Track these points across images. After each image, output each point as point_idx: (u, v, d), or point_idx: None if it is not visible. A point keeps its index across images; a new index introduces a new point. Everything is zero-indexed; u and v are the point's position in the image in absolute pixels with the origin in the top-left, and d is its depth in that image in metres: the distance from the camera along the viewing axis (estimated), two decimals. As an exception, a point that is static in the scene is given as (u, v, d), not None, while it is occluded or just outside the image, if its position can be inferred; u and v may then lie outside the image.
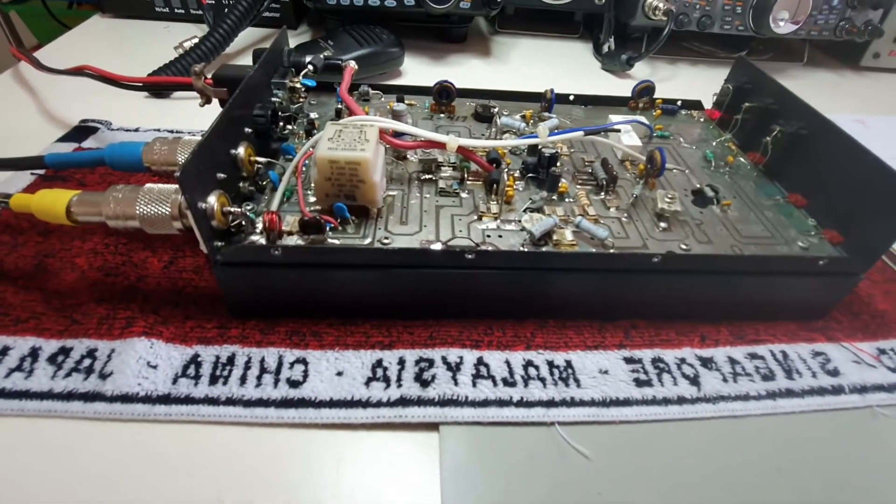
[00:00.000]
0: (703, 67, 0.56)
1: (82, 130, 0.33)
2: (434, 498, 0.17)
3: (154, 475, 0.17)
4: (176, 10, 0.49)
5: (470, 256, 0.20)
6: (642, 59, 0.50)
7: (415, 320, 0.22)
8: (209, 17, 0.46)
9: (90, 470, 0.17)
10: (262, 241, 0.21)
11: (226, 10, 0.42)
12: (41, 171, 0.28)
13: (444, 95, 0.30)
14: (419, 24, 0.51)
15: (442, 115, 0.31)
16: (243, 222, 0.20)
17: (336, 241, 0.21)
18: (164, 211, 0.19)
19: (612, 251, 0.22)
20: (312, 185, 0.23)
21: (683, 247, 0.23)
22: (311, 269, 0.20)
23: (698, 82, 0.52)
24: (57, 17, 0.74)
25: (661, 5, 0.49)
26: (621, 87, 0.49)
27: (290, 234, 0.21)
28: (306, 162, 0.23)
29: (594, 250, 0.22)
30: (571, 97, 0.34)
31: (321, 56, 0.30)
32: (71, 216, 0.19)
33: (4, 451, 0.17)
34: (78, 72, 0.32)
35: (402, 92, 0.31)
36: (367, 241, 0.21)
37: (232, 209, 0.20)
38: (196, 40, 0.42)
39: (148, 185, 0.19)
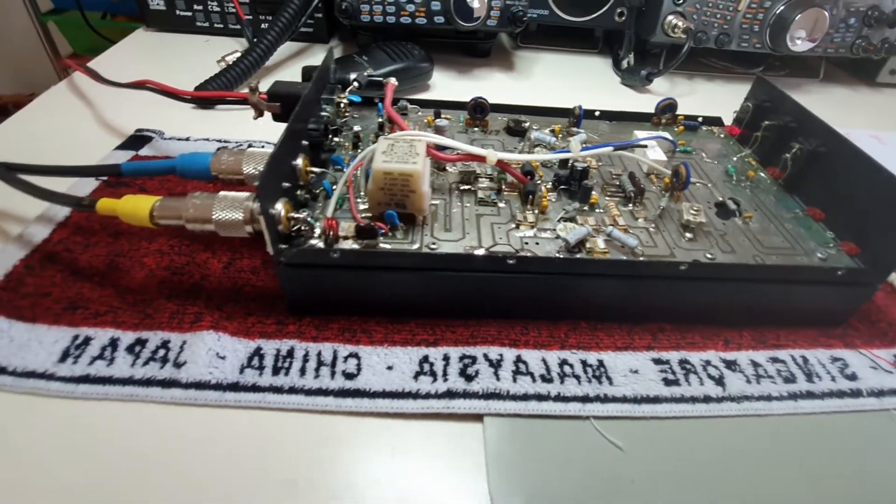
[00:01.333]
0: (720, 83, 0.57)
1: (138, 139, 0.35)
2: (480, 482, 0.19)
3: (226, 456, 0.19)
4: (215, 25, 0.52)
5: (511, 262, 0.22)
6: (661, 75, 0.52)
7: (456, 320, 0.24)
8: (248, 31, 0.48)
9: (168, 450, 0.19)
10: (321, 244, 0.22)
11: (266, 25, 0.44)
12: (104, 177, 0.31)
13: (478, 111, 0.32)
14: (446, 39, 0.53)
15: (476, 129, 0.33)
16: (303, 227, 0.22)
17: (387, 246, 0.23)
18: (237, 216, 0.21)
19: (641, 259, 0.24)
20: (363, 193, 0.25)
21: (708, 256, 0.24)
22: (364, 270, 0.22)
23: (716, 98, 0.54)
24: (94, 28, 0.77)
25: (680, 23, 0.50)
26: (641, 102, 0.51)
27: (345, 238, 0.23)
28: (356, 172, 0.25)
29: (625, 258, 0.24)
30: (597, 113, 0.35)
31: (365, 73, 0.32)
32: (153, 219, 0.21)
33: (89, 431, 0.19)
34: (139, 85, 0.34)
35: (439, 107, 0.33)
36: (416, 246, 0.23)
37: (295, 215, 0.22)
38: (238, 55, 0.44)
39: (222, 193, 0.21)
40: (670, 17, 0.51)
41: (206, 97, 0.31)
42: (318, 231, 0.23)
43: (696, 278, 0.23)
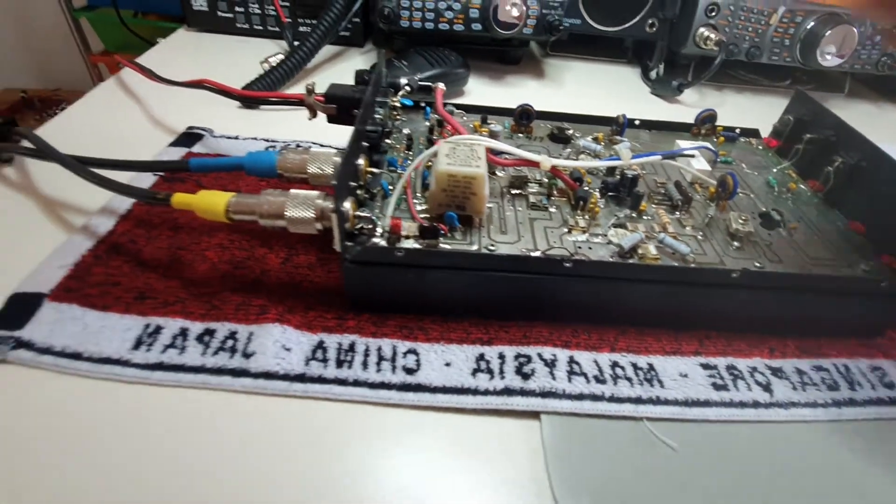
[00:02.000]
0: (749, 95, 0.58)
1: (190, 136, 0.36)
2: (538, 476, 0.20)
3: (295, 445, 0.20)
4: (255, 27, 0.53)
5: (568, 265, 0.23)
6: (692, 86, 0.52)
7: (507, 321, 0.25)
8: (288, 34, 0.50)
9: (237, 437, 0.20)
10: (383, 243, 0.23)
11: (309, 29, 0.45)
12: (161, 172, 0.32)
13: (524, 117, 0.33)
14: (478, 46, 0.54)
15: (521, 135, 0.34)
16: (366, 226, 0.23)
17: (447, 246, 0.24)
18: (309, 214, 0.22)
19: (693, 266, 0.24)
20: (420, 194, 0.26)
21: (757, 265, 0.25)
22: (424, 269, 0.23)
23: (746, 109, 0.54)
24: (127, 25, 0.79)
25: (712, 36, 0.51)
26: (671, 113, 0.52)
27: (407, 237, 0.23)
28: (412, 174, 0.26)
29: (676, 264, 0.24)
30: (637, 122, 0.36)
31: (415, 77, 0.32)
32: (228, 214, 0.22)
33: (164, 416, 0.20)
34: (197, 84, 0.35)
35: (484, 112, 0.34)
36: (474, 247, 0.24)
37: (361, 213, 0.23)
38: (280, 56, 0.45)
39: (293, 191, 0.22)
40: (702, 30, 0.52)
41: (261, 97, 0.32)
42: (379, 230, 0.23)
43: (745, 286, 0.24)
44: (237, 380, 0.21)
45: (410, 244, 0.23)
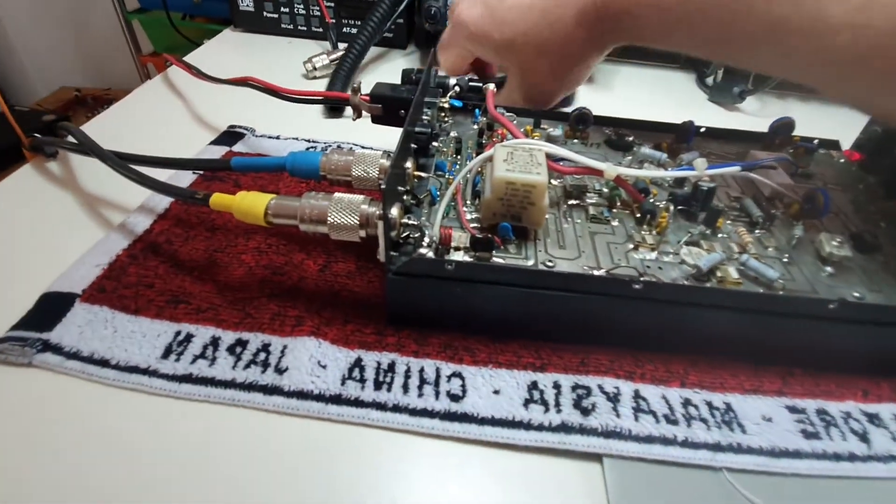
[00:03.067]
0: (814, 105, 0.54)
1: (231, 135, 0.35)
2: (605, 531, 0.17)
3: (330, 472, 0.18)
4: (299, 28, 0.52)
5: (637, 287, 0.20)
6: (755, 94, 0.49)
7: (561, 343, 0.22)
8: (332, 34, 0.49)
9: (264, 459, 0.18)
10: (430, 254, 0.21)
11: (357, 30, 0.44)
12: (201, 171, 0.31)
13: (581, 121, 0.30)
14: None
15: (576, 141, 0.31)
16: (413, 234, 0.21)
17: (500, 260, 0.21)
18: (352, 220, 0.20)
19: (781, 293, 0.21)
20: (470, 201, 0.24)
21: (856, 295, 0.22)
22: (474, 284, 0.21)
23: (812, 119, 0.50)
24: (177, 27, 0.80)
25: (781, 40, 0.47)
26: (731, 121, 0.48)
27: (456, 249, 0.21)
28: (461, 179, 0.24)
29: (762, 290, 0.21)
30: (702, 129, 0.33)
31: (465, 78, 0.31)
32: (267, 218, 0.21)
33: (192, 434, 0.19)
34: (242, 82, 0.34)
35: (538, 116, 0.32)
36: (531, 262, 0.22)
37: (408, 221, 0.21)
38: (325, 57, 0.44)
39: (337, 195, 0.21)
40: (769, 34, 0.48)
41: (304, 96, 0.31)
42: (426, 239, 0.21)
43: (842, 319, 0.21)
44: (269, 398, 0.19)
45: (461, 256, 0.21)
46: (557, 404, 0.20)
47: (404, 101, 0.28)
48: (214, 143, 0.34)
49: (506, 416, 0.20)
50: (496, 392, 0.20)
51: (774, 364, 0.23)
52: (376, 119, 0.29)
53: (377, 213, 0.19)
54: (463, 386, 0.20)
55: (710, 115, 0.49)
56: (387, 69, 0.50)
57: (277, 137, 0.35)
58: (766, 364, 0.23)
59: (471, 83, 0.31)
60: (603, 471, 0.18)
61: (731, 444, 0.19)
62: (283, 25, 0.52)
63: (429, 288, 0.21)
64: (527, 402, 0.20)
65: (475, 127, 0.31)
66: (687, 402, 0.21)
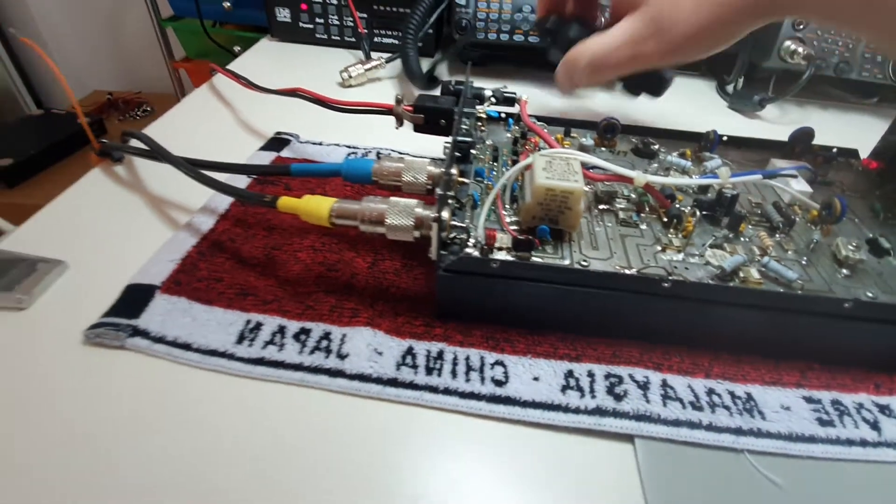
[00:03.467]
0: (833, 112, 0.55)
1: (278, 141, 0.37)
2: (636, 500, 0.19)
3: (388, 449, 0.20)
4: (333, 38, 0.55)
5: (666, 285, 0.22)
6: (775, 101, 0.50)
7: (594, 337, 0.24)
8: (365, 44, 0.51)
9: (325, 434, 0.20)
10: (476, 253, 0.23)
11: (398, 40, 0.46)
12: (254, 175, 0.33)
13: (609, 131, 0.32)
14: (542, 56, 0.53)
15: (604, 149, 0.33)
16: (459, 236, 0.23)
17: (538, 259, 0.24)
18: (409, 222, 0.22)
19: (800, 293, 0.23)
20: (508, 205, 0.26)
21: (869, 295, 0.23)
22: (517, 281, 0.23)
23: (831, 127, 0.51)
24: (209, 34, 0.83)
25: (800, 49, 0.49)
26: (751, 129, 0.50)
27: (499, 249, 0.24)
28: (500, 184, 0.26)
29: (782, 290, 0.23)
30: (725, 138, 0.35)
31: (500, 88, 0.33)
32: (330, 219, 0.23)
33: (265, 410, 0.21)
34: (291, 93, 0.37)
35: (567, 125, 0.34)
36: (566, 261, 0.24)
37: (456, 223, 0.23)
38: (360, 67, 0.47)
39: (393, 199, 0.23)
40: (788, 43, 0.50)
41: (351, 106, 0.33)
42: (472, 240, 0.24)
43: (857, 317, 0.22)
44: (334, 380, 0.22)
45: (503, 255, 0.23)
46: (592, 391, 0.22)
47: (445, 111, 0.30)
48: (263, 148, 0.37)
49: (546, 399, 0.22)
50: (536, 379, 0.22)
51: (794, 359, 0.24)
52: (419, 128, 0.31)
53: (431, 216, 0.21)
54: (505, 373, 0.23)
55: (730, 122, 0.50)
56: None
57: (320, 143, 0.38)
58: (786, 359, 0.24)
59: (505, 94, 0.33)
60: (635, 450, 0.20)
61: (752, 429, 0.21)
62: (317, 35, 0.55)
63: (474, 284, 0.23)
64: (564, 388, 0.22)
65: (508, 136, 0.33)
66: (711, 392, 0.22)
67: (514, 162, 0.30)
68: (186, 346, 0.23)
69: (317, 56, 0.54)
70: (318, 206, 0.23)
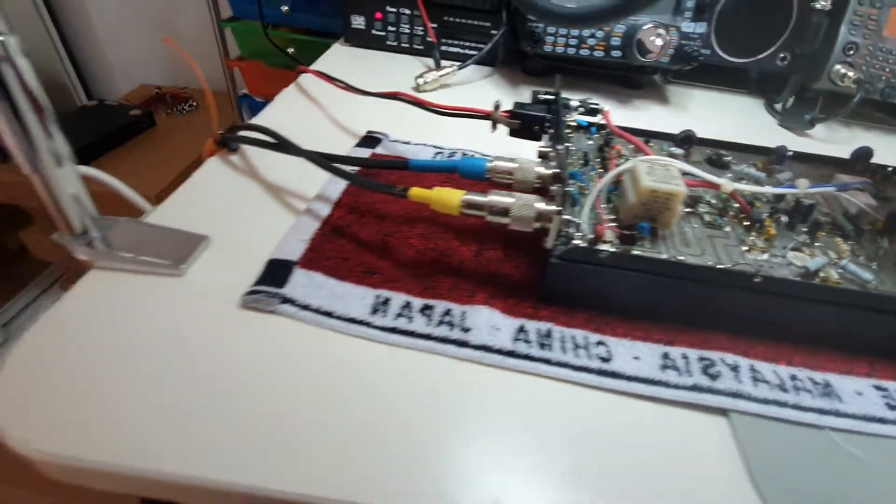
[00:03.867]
0: (877, 133, 0.57)
1: (370, 139, 0.41)
2: (735, 468, 0.22)
3: (510, 414, 0.23)
4: (402, 45, 0.59)
5: (757, 280, 0.25)
6: (826, 121, 0.53)
7: (685, 325, 0.27)
8: (436, 52, 0.55)
9: (447, 397, 0.23)
10: (583, 244, 0.26)
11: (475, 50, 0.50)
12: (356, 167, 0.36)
13: (686, 141, 0.35)
14: (608, 70, 0.57)
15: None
16: (567, 229, 0.26)
17: (639, 252, 0.26)
18: (531, 214, 0.25)
19: (874, 292, 0.26)
20: (605, 205, 0.29)
21: (937, 298, 0.26)
22: (621, 270, 0.26)
23: (877, 148, 0.54)
24: (269, 36, 0.88)
25: (850, 73, 0.51)
26: (800, 146, 0.52)
27: (605, 241, 0.26)
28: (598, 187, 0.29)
29: (859, 289, 0.26)
30: (790, 153, 0.38)
31: (586, 100, 0.36)
32: (460, 209, 0.26)
33: (398, 372, 0.24)
34: (392, 96, 0.40)
35: (647, 136, 0.37)
36: (664, 255, 0.27)
37: (569, 218, 0.26)
38: (435, 73, 0.50)
39: (517, 194, 0.26)
40: (838, 67, 0.53)
41: (451, 111, 0.37)
42: (579, 233, 0.27)
43: (926, 317, 0.25)
44: (460, 350, 0.25)
45: (608, 248, 0.26)
46: (688, 370, 0.25)
47: (540, 118, 0.33)
48: (359, 145, 0.40)
49: (648, 375, 0.24)
50: (636, 358, 0.25)
51: (861, 353, 0.27)
52: (513, 133, 0.34)
53: (553, 209, 0.24)
54: (609, 351, 0.25)
55: (780, 140, 0.52)
56: (482, 85, 0.55)
57: (408, 142, 0.41)
58: (855, 353, 0.27)
59: (590, 105, 0.36)
60: (731, 423, 0.23)
61: (832, 410, 0.24)
62: (388, 42, 0.59)
63: (581, 272, 0.26)
64: (663, 367, 0.25)
65: (590, 143, 0.36)
66: (794, 377, 0.25)
67: (603, 166, 0.33)
68: (329, 314, 0.26)
69: (387, 61, 0.58)
70: (449, 197, 0.26)
